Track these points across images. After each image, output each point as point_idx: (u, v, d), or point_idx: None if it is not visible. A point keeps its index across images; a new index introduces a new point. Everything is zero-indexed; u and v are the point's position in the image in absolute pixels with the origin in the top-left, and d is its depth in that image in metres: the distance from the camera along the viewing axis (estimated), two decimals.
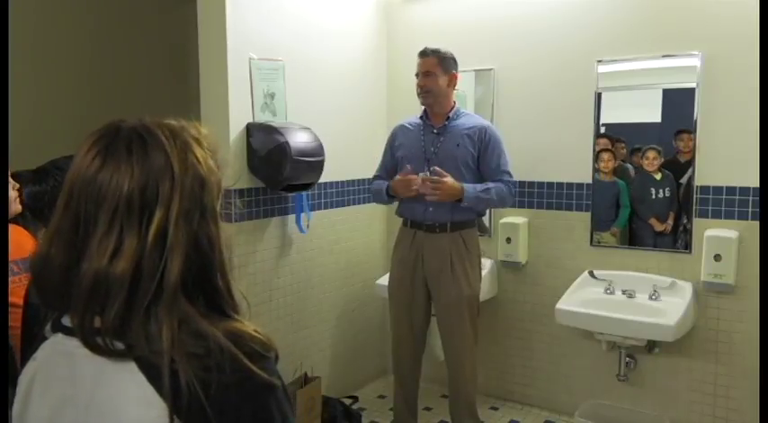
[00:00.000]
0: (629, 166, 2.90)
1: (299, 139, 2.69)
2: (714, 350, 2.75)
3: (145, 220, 0.74)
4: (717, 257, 2.64)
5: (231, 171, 2.50)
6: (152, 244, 0.73)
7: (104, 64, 3.66)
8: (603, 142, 2.93)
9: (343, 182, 3.25)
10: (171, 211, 0.75)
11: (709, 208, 2.72)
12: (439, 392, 3.24)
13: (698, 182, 2.73)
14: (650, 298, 2.75)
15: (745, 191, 2.64)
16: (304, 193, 2.91)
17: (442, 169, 2.60)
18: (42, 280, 0.79)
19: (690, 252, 2.76)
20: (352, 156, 3.28)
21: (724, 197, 2.68)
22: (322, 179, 2.89)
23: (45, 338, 0.81)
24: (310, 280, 3.12)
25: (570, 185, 3.03)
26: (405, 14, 3.42)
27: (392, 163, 2.83)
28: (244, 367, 0.73)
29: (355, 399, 3.32)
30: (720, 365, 2.75)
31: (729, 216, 2.68)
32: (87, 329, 0.74)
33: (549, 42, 3.01)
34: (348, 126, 3.25)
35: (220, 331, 0.74)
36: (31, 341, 0.85)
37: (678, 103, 2.77)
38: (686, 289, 2.72)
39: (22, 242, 1.71)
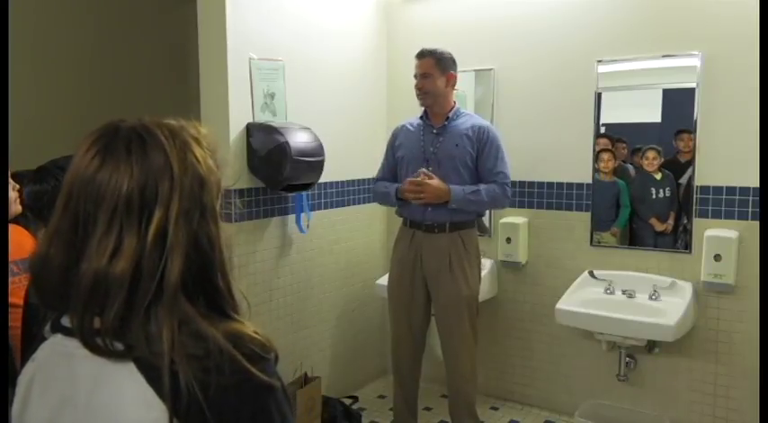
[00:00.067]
0: (629, 166, 2.90)
1: (299, 139, 2.69)
2: (714, 350, 2.75)
3: (144, 219, 0.74)
4: (717, 257, 2.64)
5: (231, 171, 2.50)
6: (152, 244, 0.73)
7: (104, 64, 3.66)
8: (603, 142, 2.93)
9: (343, 182, 3.25)
10: (170, 210, 0.74)
11: (710, 208, 2.72)
12: (439, 392, 3.24)
13: (698, 182, 2.73)
14: (650, 298, 2.75)
15: (745, 191, 2.64)
16: (304, 193, 2.91)
17: (438, 170, 2.61)
18: (41, 280, 0.79)
19: (690, 252, 2.76)
20: (352, 156, 3.28)
21: (724, 197, 2.68)
22: (322, 179, 2.89)
23: (44, 339, 0.81)
24: (310, 280, 3.12)
25: (570, 185, 3.03)
26: (405, 14, 3.42)
27: (393, 163, 2.83)
28: (243, 369, 0.73)
29: (355, 399, 3.32)
30: (720, 365, 2.75)
31: (729, 216, 2.68)
32: (87, 330, 0.74)
33: (549, 42, 3.01)
34: (348, 126, 3.25)
35: (220, 332, 0.74)
36: (31, 341, 0.85)
37: (678, 103, 2.76)
38: (686, 289, 2.72)
39: (22, 242, 1.70)
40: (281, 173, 2.64)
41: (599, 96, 2.91)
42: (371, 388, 3.51)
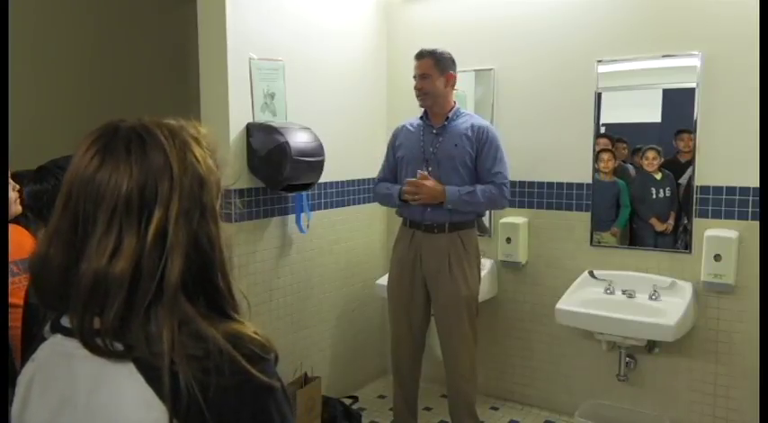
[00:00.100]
0: (629, 166, 2.90)
1: (299, 139, 2.69)
2: (714, 350, 2.75)
3: (144, 219, 0.74)
4: (717, 257, 2.64)
5: (231, 171, 2.49)
6: (151, 244, 0.73)
7: (104, 64, 3.66)
8: (603, 142, 2.93)
9: (343, 182, 3.25)
10: (170, 210, 0.74)
11: (709, 208, 2.71)
12: (439, 392, 3.24)
13: (698, 182, 2.73)
14: (650, 298, 2.75)
15: (745, 191, 2.64)
16: (304, 193, 2.91)
17: (438, 170, 2.61)
18: (41, 280, 0.78)
19: (690, 252, 2.76)
20: (352, 156, 3.28)
21: (724, 197, 2.68)
22: (322, 179, 2.89)
23: (44, 339, 0.81)
24: (310, 280, 3.12)
25: (570, 185, 3.03)
26: (405, 14, 3.42)
27: (394, 164, 2.83)
28: (242, 370, 0.73)
29: (355, 399, 3.32)
30: (720, 365, 2.75)
31: (729, 216, 2.68)
32: (86, 330, 0.73)
33: (549, 42, 3.01)
34: (348, 126, 3.25)
35: (220, 333, 0.74)
36: (31, 342, 0.85)
37: (678, 103, 2.76)
38: (686, 289, 2.72)
39: (22, 242, 1.70)
40: (281, 173, 2.64)
41: (599, 96, 2.91)
42: (371, 388, 3.51)
